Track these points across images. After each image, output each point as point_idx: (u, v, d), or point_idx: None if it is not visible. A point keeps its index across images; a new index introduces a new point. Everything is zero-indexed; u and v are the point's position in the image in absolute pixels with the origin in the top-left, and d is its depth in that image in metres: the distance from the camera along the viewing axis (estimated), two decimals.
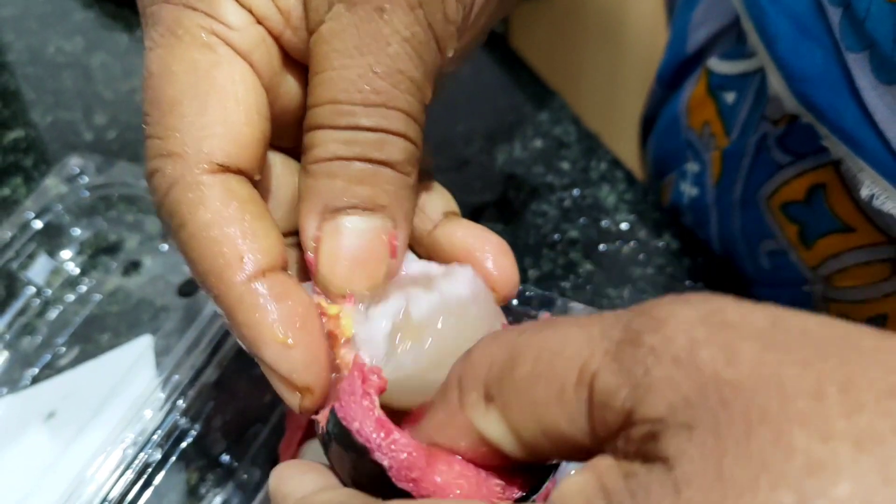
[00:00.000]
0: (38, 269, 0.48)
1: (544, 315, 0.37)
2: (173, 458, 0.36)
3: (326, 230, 0.26)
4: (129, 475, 0.35)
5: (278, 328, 0.25)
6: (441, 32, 0.26)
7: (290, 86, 0.28)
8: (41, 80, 0.60)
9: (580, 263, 0.47)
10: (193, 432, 0.37)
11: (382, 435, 0.23)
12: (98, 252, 0.49)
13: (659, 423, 0.17)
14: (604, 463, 0.18)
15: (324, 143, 0.25)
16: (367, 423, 0.24)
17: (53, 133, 0.57)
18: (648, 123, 0.57)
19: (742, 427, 0.15)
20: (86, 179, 0.47)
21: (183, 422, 0.36)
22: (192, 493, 0.38)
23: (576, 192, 0.51)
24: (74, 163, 0.48)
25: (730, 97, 0.42)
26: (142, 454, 0.35)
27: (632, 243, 0.48)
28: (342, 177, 0.25)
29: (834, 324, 0.17)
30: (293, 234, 0.28)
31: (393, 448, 0.23)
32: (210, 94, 0.25)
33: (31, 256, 0.47)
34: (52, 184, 0.47)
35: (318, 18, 0.25)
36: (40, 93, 0.59)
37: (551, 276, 0.47)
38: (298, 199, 0.26)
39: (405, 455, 0.23)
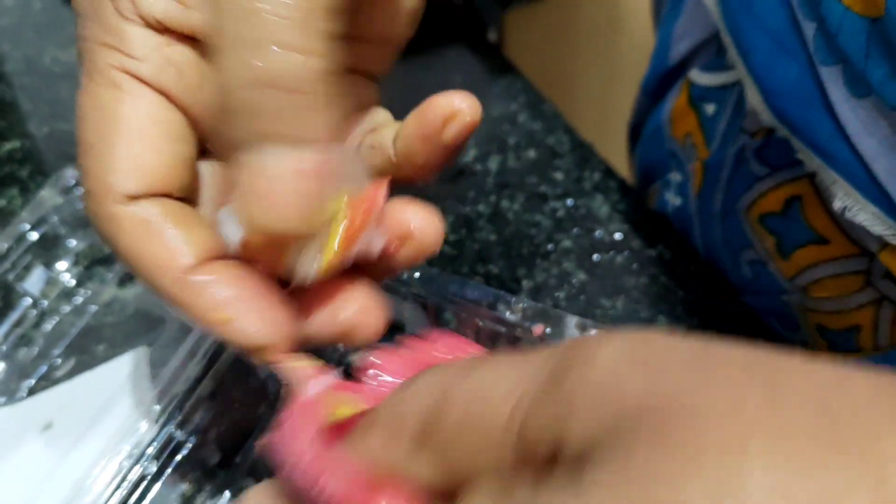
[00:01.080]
0: (34, 281, 0.48)
1: (538, 328, 0.37)
2: (169, 470, 0.36)
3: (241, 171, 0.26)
4: (125, 487, 0.35)
5: (215, 310, 0.28)
6: None
7: None
8: (37, 91, 0.60)
9: (574, 273, 0.47)
10: (189, 444, 0.37)
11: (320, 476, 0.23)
12: (94, 263, 0.49)
13: (582, 449, 0.17)
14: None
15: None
16: (301, 464, 0.24)
17: (50, 143, 0.57)
18: (635, 132, 0.57)
19: (657, 447, 0.16)
20: (81, 191, 0.47)
21: (178, 434, 0.37)
22: (189, 502, 0.38)
23: (569, 201, 0.51)
24: (70, 174, 0.48)
25: (710, 109, 0.43)
26: (137, 466, 0.35)
27: (625, 253, 0.48)
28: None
29: (760, 351, 0.17)
30: None
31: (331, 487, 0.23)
32: (115, 132, 0.27)
33: (27, 268, 0.47)
34: (48, 195, 0.47)
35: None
36: (37, 103, 0.59)
37: (545, 286, 0.47)
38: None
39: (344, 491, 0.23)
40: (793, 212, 0.37)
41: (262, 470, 0.40)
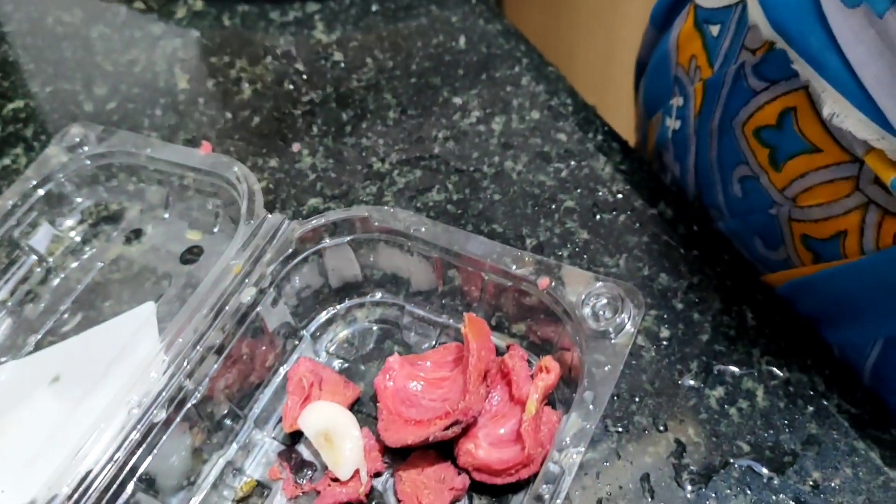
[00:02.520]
0: (40, 238, 0.48)
1: (543, 281, 0.37)
2: (177, 420, 0.36)
3: None
4: (135, 436, 0.35)
5: None
6: None
7: None
8: (41, 51, 0.60)
9: (577, 232, 0.47)
10: (197, 394, 0.37)
11: None
12: (100, 220, 0.49)
13: None
14: None
15: None
16: None
17: (54, 104, 0.57)
18: (641, 67, 0.58)
19: None
20: (87, 148, 0.47)
21: (187, 383, 0.36)
22: (196, 454, 0.38)
23: (572, 162, 0.51)
24: (75, 132, 0.48)
25: (714, 30, 0.44)
26: (146, 415, 0.35)
27: (627, 212, 0.48)
28: None
29: None
30: None
31: None
32: None
33: (33, 225, 0.47)
34: (54, 153, 0.47)
35: None
36: (40, 63, 0.59)
37: (548, 244, 0.47)
38: None
39: None
40: (787, 123, 0.39)
41: (268, 420, 0.41)
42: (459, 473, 0.38)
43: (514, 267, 0.38)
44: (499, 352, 0.41)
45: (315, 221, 0.41)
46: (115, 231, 0.48)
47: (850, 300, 0.40)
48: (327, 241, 0.41)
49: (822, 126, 0.37)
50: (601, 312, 0.36)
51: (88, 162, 0.47)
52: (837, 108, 0.34)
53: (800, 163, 0.39)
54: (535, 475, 0.36)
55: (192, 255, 0.47)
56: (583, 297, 0.37)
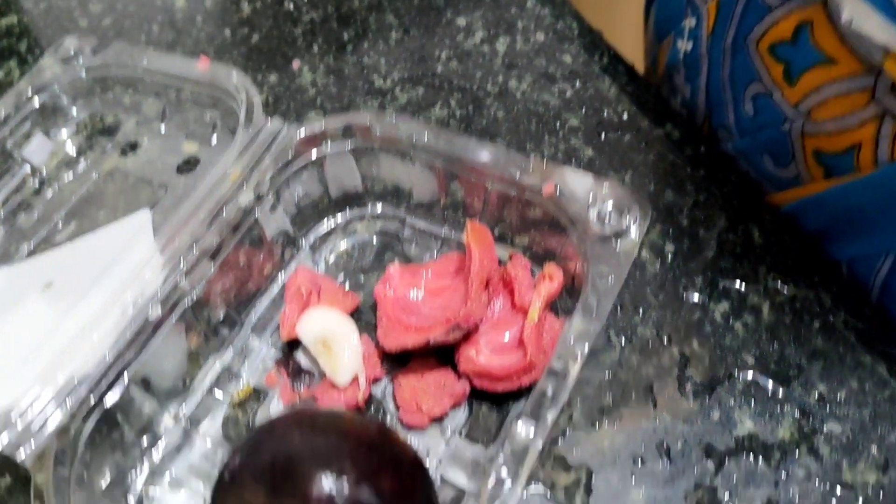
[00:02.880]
0: (35, 148, 0.47)
1: (548, 186, 0.36)
2: (172, 320, 0.36)
3: None
4: (128, 334, 0.34)
5: None
6: None
7: None
8: None
9: (581, 150, 0.46)
10: (193, 295, 0.36)
11: None
12: (95, 132, 0.48)
13: None
14: None
15: None
16: None
17: (48, 19, 0.55)
18: None
19: None
20: (81, 60, 0.46)
21: (183, 283, 0.36)
22: (192, 357, 0.37)
23: (577, 83, 0.50)
24: (70, 43, 0.47)
25: None
26: (141, 313, 0.35)
27: (633, 132, 0.47)
28: None
29: None
30: None
31: None
32: None
33: (28, 135, 0.46)
34: (48, 64, 0.46)
35: None
36: None
37: (553, 160, 0.46)
38: None
39: None
40: (802, 37, 0.38)
41: (265, 327, 0.40)
42: (460, 380, 0.37)
43: (518, 174, 0.37)
44: (501, 262, 0.40)
45: (315, 126, 0.40)
46: (111, 143, 0.47)
47: (862, 214, 0.39)
48: (328, 149, 0.40)
49: (838, 37, 0.36)
50: (607, 216, 0.35)
51: (84, 73, 0.46)
52: (856, 12, 0.33)
53: (815, 76, 0.38)
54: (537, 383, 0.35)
55: (188, 165, 0.46)
56: (589, 199, 0.36)
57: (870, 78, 0.36)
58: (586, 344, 0.32)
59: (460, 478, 0.35)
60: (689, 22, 0.48)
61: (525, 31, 0.53)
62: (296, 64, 0.52)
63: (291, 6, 0.55)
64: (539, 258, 0.40)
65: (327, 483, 0.28)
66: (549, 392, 0.31)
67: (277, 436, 0.31)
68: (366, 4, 0.55)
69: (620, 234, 0.35)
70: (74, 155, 0.47)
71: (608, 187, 0.36)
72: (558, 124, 0.48)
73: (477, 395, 0.37)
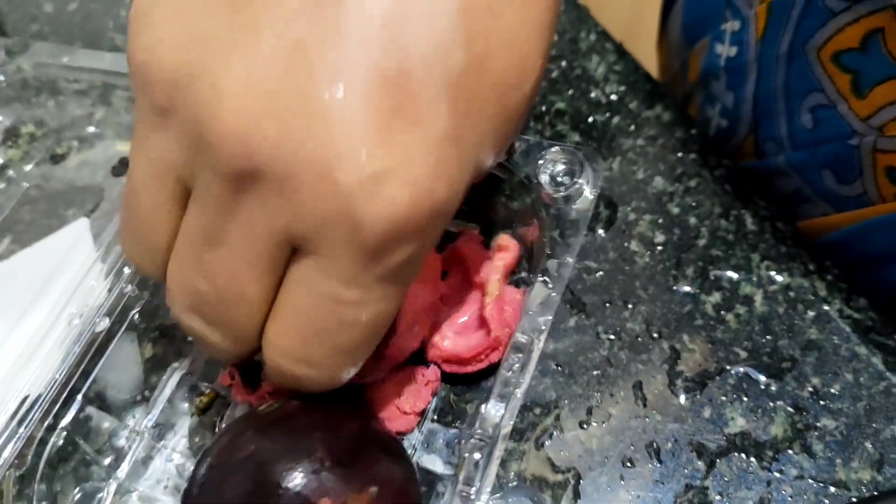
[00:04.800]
0: None
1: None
2: (123, 329, 0.37)
3: None
4: (77, 349, 0.36)
5: None
6: None
7: None
8: None
9: (568, 136, 0.48)
10: (142, 301, 0.38)
11: None
12: (21, 140, 0.49)
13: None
14: None
15: None
16: None
17: (12, 4, 0.57)
18: None
19: None
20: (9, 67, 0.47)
21: (129, 289, 0.37)
22: (148, 366, 0.39)
23: (563, 63, 0.52)
24: None
25: None
26: (89, 326, 0.36)
27: (621, 114, 0.49)
28: None
29: None
30: None
31: None
32: None
33: None
34: None
35: None
36: None
37: (539, 148, 0.48)
38: None
39: None
40: (873, 46, 0.38)
41: None
42: (430, 366, 0.39)
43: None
44: (452, 238, 0.42)
45: None
46: (40, 150, 0.48)
47: None
48: None
49: None
50: (559, 178, 0.37)
51: (2, 78, 0.47)
52: None
53: (889, 89, 0.38)
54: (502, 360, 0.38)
55: (123, 166, 0.47)
56: (539, 162, 0.38)
57: None
58: (550, 311, 0.34)
59: (436, 463, 0.37)
60: (732, 25, 0.48)
61: None
62: None
63: None
64: (493, 228, 0.42)
65: (303, 475, 0.30)
66: (517, 367, 0.33)
67: (243, 438, 0.32)
68: None
69: (574, 196, 0.37)
70: (2, 164, 0.48)
71: (558, 151, 0.38)
72: (544, 108, 0.49)
73: (448, 378, 0.39)
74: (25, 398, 0.35)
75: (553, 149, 0.38)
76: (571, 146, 0.38)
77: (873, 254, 0.44)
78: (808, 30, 0.41)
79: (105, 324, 0.36)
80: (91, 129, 0.49)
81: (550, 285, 0.34)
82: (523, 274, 0.40)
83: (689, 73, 0.56)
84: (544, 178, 0.37)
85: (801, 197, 0.47)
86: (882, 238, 0.43)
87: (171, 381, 0.40)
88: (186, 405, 0.40)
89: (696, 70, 0.54)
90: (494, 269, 0.38)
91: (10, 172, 0.48)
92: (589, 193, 0.37)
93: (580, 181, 0.37)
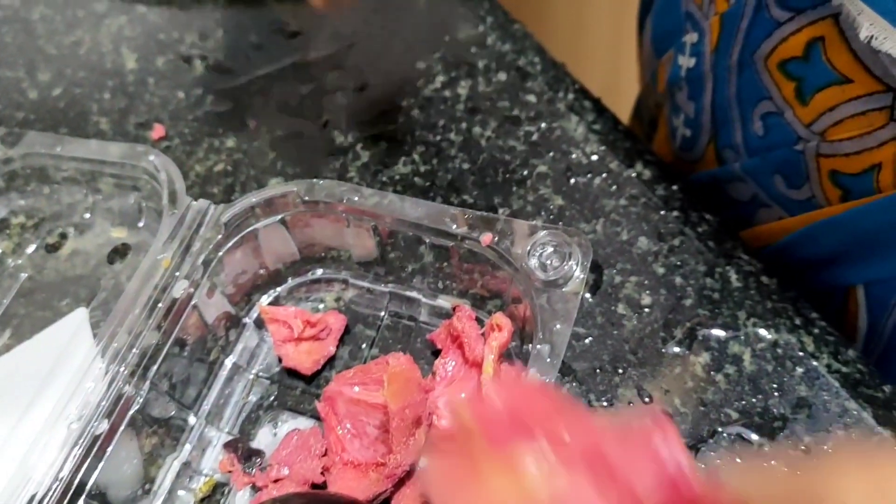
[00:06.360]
0: None
1: (486, 237, 0.39)
2: (122, 428, 0.37)
3: None
4: (78, 451, 0.36)
5: None
6: None
7: None
8: None
9: (551, 199, 0.48)
10: (140, 399, 0.38)
11: None
12: (16, 230, 0.50)
13: None
14: None
15: None
16: None
17: None
18: (647, 3, 0.59)
19: None
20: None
21: (127, 389, 0.38)
22: (148, 460, 0.39)
23: (543, 124, 0.52)
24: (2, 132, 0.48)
25: None
26: (88, 428, 0.36)
27: (603, 174, 0.49)
28: None
29: None
30: None
31: None
32: None
33: None
34: None
35: None
36: None
37: (522, 213, 0.48)
38: None
39: None
40: (814, 54, 0.39)
41: (217, 414, 0.42)
42: None
43: (453, 226, 0.39)
44: (446, 314, 0.43)
45: (241, 203, 0.42)
46: (36, 239, 0.50)
47: (884, 236, 0.40)
48: (258, 223, 0.43)
49: (852, 55, 0.37)
50: (548, 262, 0.37)
51: None
52: (876, 31, 0.34)
53: (829, 95, 0.39)
54: None
55: (119, 253, 0.48)
56: (528, 247, 0.38)
57: (888, 97, 0.37)
58: None
59: None
60: (691, 37, 0.49)
61: (486, 72, 0.55)
62: (252, 123, 0.55)
63: (245, 61, 0.59)
64: (486, 303, 0.43)
65: None
66: None
67: None
68: (322, 55, 0.58)
69: (564, 278, 0.37)
70: (0, 254, 0.49)
71: (546, 234, 0.38)
72: (525, 172, 0.50)
73: None
74: (34, 496, 0.36)
75: (542, 233, 0.38)
76: (559, 228, 0.38)
77: (822, 255, 0.45)
78: (755, 40, 0.43)
79: (104, 427, 0.37)
80: (86, 216, 0.50)
81: (543, 371, 0.35)
82: (518, 351, 0.41)
83: (658, 84, 0.57)
84: (534, 262, 0.38)
85: (758, 202, 0.48)
86: (829, 240, 0.44)
87: (170, 472, 0.41)
88: (186, 495, 0.41)
89: (664, 81, 0.55)
90: (489, 348, 0.39)
91: (8, 263, 0.50)
92: (578, 274, 0.38)
93: (569, 263, 0.38)
